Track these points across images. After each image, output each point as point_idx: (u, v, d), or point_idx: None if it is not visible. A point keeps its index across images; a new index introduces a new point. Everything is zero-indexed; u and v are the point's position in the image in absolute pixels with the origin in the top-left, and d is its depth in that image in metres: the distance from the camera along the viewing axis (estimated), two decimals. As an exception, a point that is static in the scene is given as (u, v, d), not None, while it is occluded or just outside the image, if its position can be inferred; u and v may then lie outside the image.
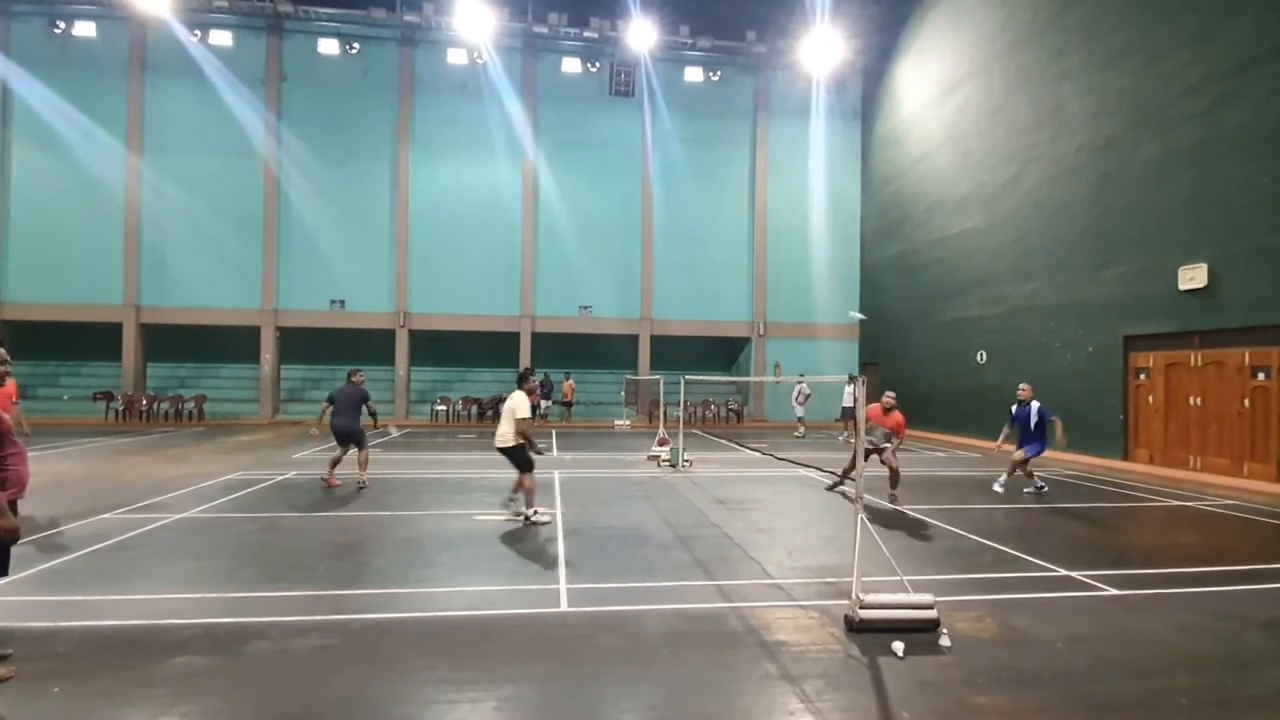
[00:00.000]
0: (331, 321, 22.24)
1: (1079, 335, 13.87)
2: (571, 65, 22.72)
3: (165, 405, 20.42)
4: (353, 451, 9.25)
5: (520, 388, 7.38)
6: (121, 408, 20.08)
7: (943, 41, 19.04)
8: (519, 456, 7.20)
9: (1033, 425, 9.28)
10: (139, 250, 21.31)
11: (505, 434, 7.19)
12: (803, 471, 10.88)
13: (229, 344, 23.02)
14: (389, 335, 22.39)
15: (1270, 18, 10.43)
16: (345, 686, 3.40)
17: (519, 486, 7.37)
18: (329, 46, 21.71)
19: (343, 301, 22.11)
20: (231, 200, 21.53)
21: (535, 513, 7.25)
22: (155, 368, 22.79)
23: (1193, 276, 11.39)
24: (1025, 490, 9.52)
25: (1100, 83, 13.46)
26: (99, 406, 20.23)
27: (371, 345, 23.03)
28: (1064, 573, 5.58)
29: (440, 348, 24.61)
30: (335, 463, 9.30)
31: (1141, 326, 12.52)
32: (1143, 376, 12.65)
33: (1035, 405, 9.33)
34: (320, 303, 22.02)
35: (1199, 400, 11.55)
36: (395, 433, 7.76)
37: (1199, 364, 11.58)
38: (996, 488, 9.57)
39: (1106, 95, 13.31)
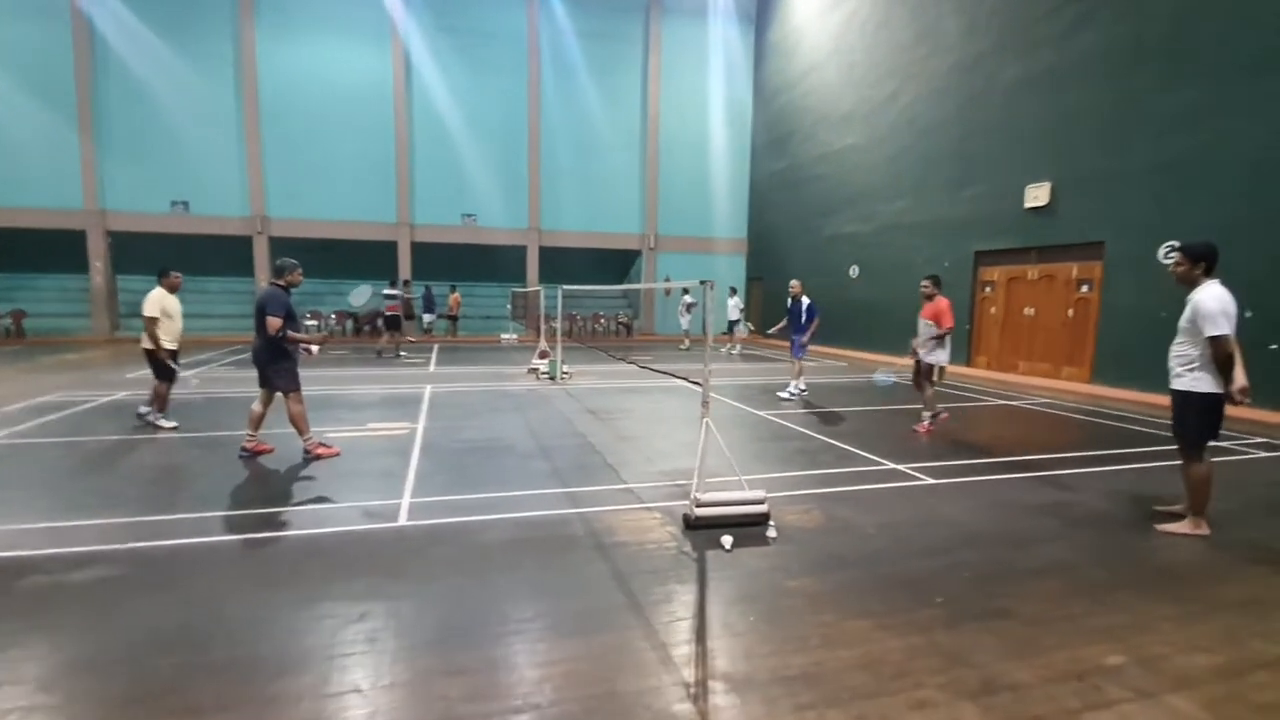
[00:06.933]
0: (174, 226, 19.77)
1: (939, 251, 14.75)
2: (445, -61, 20.33)
3: (-30, 321, 17.69)
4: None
5: None
6: (-89, 324, 17.19)
7: (835, -55, 18.55)
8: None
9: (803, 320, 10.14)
10: (-90, 134, 17.66)
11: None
12: (678, 382, 11.10)
13: (48, 250, 20.00)
14: (246, 243, 20.27)
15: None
16: (124, 621, 3.10)
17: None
18: (141, -112, 18.09)
19: (186, 203, 19.63)
20: (34, 74, 18.08)
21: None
22: (-47, 277, 19.54)
23: (1037, 195, 12.25)
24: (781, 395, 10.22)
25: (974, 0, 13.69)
26: (-120, 323, 17.22)
27: (227, 254, 20.83)
28: (892, 466, 6.07)
29: (309, 258, 22.64)
30: (256, 420, 6.06)
31: (991, 242, 13.47)
32: (988, 289, 13.74)
33: (806, 301, 10.17)
34: (159, 204, 19.43)
35: (1032, 311, 12.74)
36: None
37: (1035, 278, 12.69)
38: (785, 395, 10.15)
39: (979, 13, 13.58)
